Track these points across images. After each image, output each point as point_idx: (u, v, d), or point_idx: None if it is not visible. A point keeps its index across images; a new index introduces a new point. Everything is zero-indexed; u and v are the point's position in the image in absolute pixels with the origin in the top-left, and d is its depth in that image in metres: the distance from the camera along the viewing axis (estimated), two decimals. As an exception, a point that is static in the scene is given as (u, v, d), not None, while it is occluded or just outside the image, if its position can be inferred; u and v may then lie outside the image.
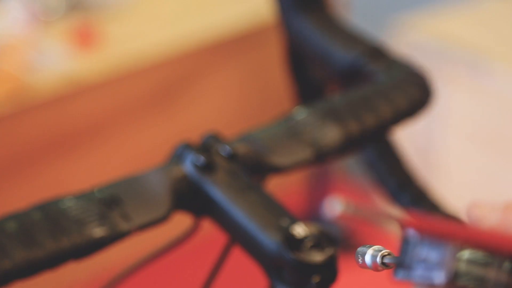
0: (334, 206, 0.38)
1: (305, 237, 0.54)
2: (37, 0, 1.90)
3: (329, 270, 0.54)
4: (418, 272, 0.39)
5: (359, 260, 0.43)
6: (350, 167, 2.07)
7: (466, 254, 0.37)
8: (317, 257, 0.53)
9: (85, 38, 1.87)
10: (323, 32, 0.72)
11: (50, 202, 0.56)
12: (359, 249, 0.43)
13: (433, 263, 0.38)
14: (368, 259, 0.42)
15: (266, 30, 2.07)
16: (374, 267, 0.42)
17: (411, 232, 0.39)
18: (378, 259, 0.42)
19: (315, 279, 0.53)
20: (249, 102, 2.16)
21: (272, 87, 2.18)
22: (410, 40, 1.71)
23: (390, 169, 0.75)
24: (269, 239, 0.55)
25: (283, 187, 1.92)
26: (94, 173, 1.90)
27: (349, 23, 0.74)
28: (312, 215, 1.94)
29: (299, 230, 0.54)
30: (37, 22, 1.87)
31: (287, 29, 0.75)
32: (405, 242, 0.40)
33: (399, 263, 0.40)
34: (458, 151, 1.71)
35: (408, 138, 1.63)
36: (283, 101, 2.20)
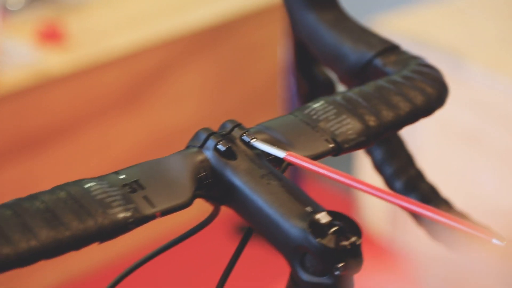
0: None
1: (330, 224, 0.54)
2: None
3: (354, 258, 0.54)
4: None
5: None
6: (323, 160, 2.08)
7: None
8: (343, 244, 0.53)
9: (50, 31, 1.83)
10: (335, 30, 0.72)
11: (73, 183, 0.55)
12: None
13: None
14: None
15: (243, 20, 2.06)
16: None
17: None
18: None
19: (340, 267, 0.53)
20: (226, 95, 2.14)
21: (250, 79, 2.16)
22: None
23: (388, 156, 0.76)
24: (293, 226, 0.54)
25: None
26: (65, 168, 1.87)
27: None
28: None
29: (324, 217, 0.54)
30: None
31: (297, 27, 0.75)
32: None
33: None
34: (433, 148, 1.73)
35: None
36: (260, 93, 2.19)
